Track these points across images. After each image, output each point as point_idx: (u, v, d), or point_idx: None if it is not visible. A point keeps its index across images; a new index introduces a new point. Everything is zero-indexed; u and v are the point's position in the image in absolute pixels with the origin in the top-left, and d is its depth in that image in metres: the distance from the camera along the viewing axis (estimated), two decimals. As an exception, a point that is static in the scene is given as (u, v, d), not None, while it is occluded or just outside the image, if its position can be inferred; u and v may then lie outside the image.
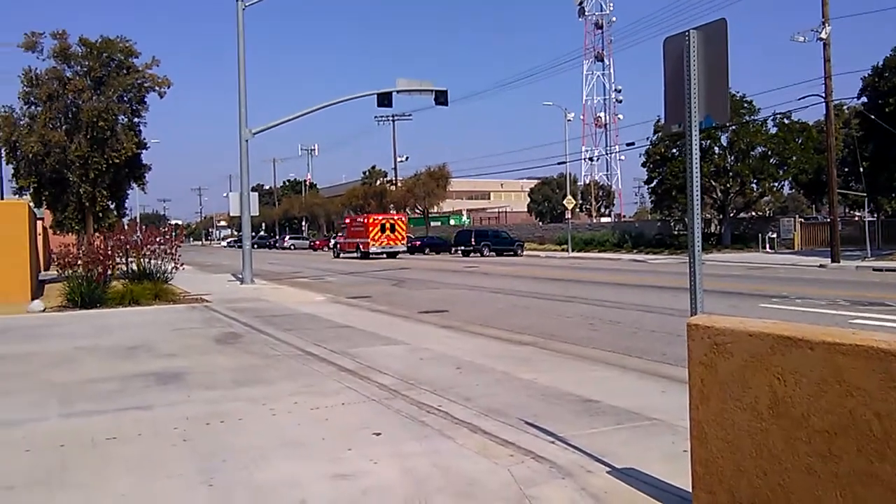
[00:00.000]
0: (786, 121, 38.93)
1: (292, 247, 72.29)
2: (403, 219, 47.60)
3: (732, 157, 40.27)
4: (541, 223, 68.77)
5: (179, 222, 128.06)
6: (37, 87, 21.28)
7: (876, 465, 2.52)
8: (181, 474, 4.28)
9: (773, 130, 39.76)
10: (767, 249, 37.16)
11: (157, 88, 22.63)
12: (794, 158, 39.12)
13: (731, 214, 42.70)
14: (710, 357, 3.17)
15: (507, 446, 4.71)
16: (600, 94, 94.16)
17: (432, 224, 66.70)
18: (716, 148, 40.09)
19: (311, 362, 7.97)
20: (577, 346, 9.03)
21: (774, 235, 38.84)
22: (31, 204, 22.06)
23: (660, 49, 4.83)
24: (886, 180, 32.91)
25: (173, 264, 16.96)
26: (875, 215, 40.18)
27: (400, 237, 44.36)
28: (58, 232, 26.21)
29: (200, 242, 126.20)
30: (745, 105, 39.04)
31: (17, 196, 25.53)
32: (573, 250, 43.70)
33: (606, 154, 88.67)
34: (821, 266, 25.69)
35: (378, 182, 74.13)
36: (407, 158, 71.81)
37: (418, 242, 53.16)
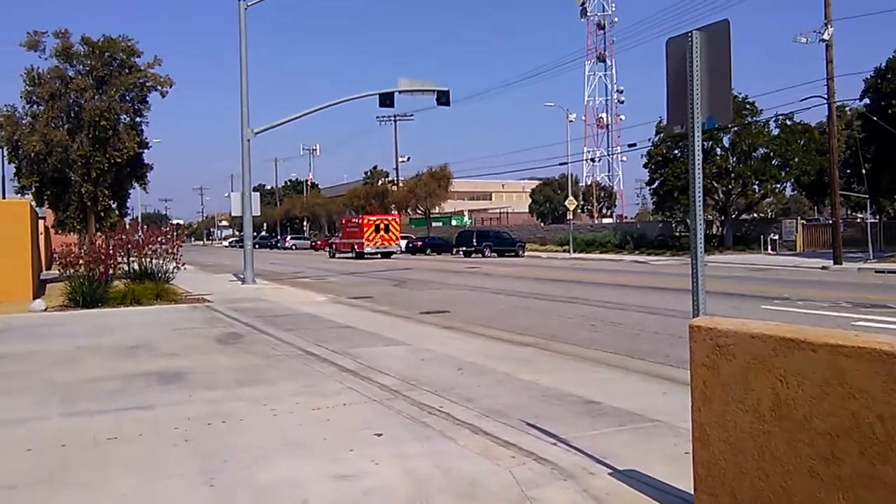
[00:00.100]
0: (788, 122, 38.93)
1: (294, 247, 72.35)
2: (397, 219, 48.06)
3: (734, 159, 40.27)
4: (542, 224, 68.80)
5: (181, 222, 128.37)
6: (39, 87, 21.29)
7: (878, 468, 2.52)
8: (182, 474, 4.28)
9: (776, 132, 39.76)
10: (769, 251, 37.13)
11: (159, 88, 22.64)
12: (797, 160, 39.10)
13: (733, 216, 42.69)
14: (713, 359, 3.16)
15: (508, 447, 4.71)
16: (602, 95, 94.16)
17: (434, 224, 66.74)
18: (718, 149, 40.07)
19: (312, 363, 7.97)
20: (578, 348, 9.02)
21: (776, 237, 38.81)
22: (33, 203, 22.09)
23: (662, 50, 4.83)
24: (889, 182, 32.88)
25: (175, 264, 16.97)
26: (877, 217, 40.12)
27: (394, 238, 44.82)
28: (59, 231, 26.22)
29: (202, 242, 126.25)
30: (748, 106, 39.03)
31: (18, 195, 25.55)
32: (575, 251, 43.69)
33: (608, 155, 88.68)
34: (823, 268, 25.67)
35: (380, 182, 74.18)
36: (409, 159, 72.00)
37: (420, 243, 53.20)
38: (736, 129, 38.09)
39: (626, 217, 79.56)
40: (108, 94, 21.52)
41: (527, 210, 79.71)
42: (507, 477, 4.14)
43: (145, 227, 32.69)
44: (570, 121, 49.59)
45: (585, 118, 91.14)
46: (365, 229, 43.62)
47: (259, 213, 23.95)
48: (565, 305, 14.62)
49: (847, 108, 39.13)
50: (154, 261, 16.90)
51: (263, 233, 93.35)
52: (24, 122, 21.54)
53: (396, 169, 71.25)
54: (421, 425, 5.30)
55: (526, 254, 45.26)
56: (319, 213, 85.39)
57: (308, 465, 4.40)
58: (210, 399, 6.22)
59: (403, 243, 53.36)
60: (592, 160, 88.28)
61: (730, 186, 40.69)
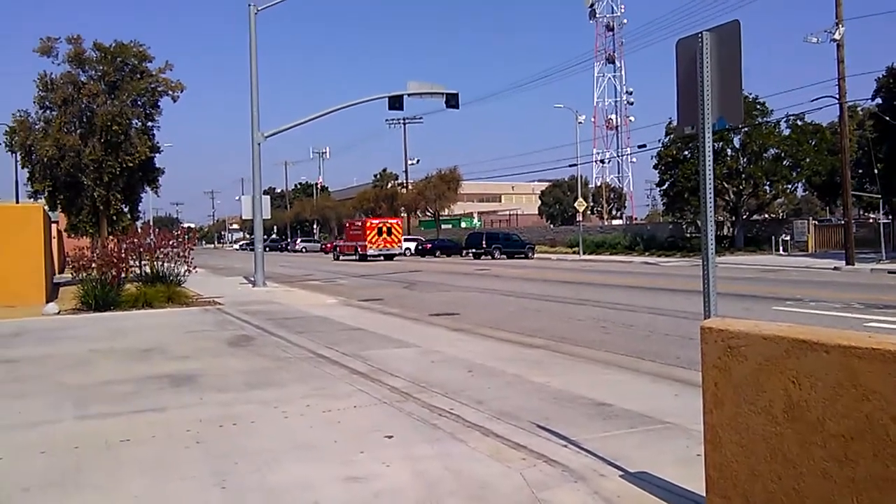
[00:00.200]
0: (799, 122, 38.68)
1: (304, 249, 72.63)
2: (399, 222, 48.97)
3: (745, 159, 40.06)
4: (552, 226, 68.67)
5: (192, 225, 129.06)
6: (52, 92, 21.49)
7: (892, 470, 2.50)
8: (194, 476, 4.30)
9: (787, 132, 39.52)
10: (781, 252, 36.89)
11: (170, 92, 22.82)
12: (808, 160, 38.85)
13: (744, 217, 42.45)
14: (724, 360, 3.15)
15: (519, 450, 4.70)
16: (611, 97, 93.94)
17: (443, 227, 66.73)
18: (728, 150, 39.88)
19: (322, 365, 7.99)
20: (589, 350, 8.99)
21: (788, 238, 38.56)
22: (46, 207, 22.27)
23: (671, 51, 4.81)
24: (901, 182, 32.59)
25: (186, 267, 17.06)
26: (890, 217, 39.74)
27: (396, 240, 45.63)
28: (72, 235, 26.43)
29: (213, 245, 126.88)
30: (758, 107, 38.82)
31: (32, 200, 25.77)
32: (584, 253, 43.58)
33: (618, 156, 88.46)
34: (835, 268, 25.48)
35: (389, 185, 74.33)
36: (418, 161, 71.61)
37: (429, 245, 53.27)
38: (747, 129, 37.89)
39: (636, 218, 79.36)
40: (119, 99, 21.69)
41: (536, 212, 79.61)
42: (517, 479, 4.14)
43: (157, 230, 32.86)
44: (580, 122, 49.54)
45: (595, 120, 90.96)
46: (368, 232, 44.42)
47: (269, 217, 24.04)
48: (575, 307, 14.58)
49: (859, 108, 38.87)
50: (166, 264, 16.99)
51: (274, 236, 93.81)
52: (37, 127, 21.75)
53: (406, 171, 71.32)
54: (431, 427, 5.30)
55: (535, 256, 45.18)
56: (329, 215, 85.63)
57: (318, 467, 4.42)
58: (221, 401, 6.24)
59: (413, 245, 53.62)
60: (602, 162, 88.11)
61: (741, 187, 40.48)
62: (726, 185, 39.53)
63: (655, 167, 44.18)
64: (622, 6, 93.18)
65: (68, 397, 6.53)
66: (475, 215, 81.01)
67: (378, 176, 79.69)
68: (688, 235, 43.48)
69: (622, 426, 5.26)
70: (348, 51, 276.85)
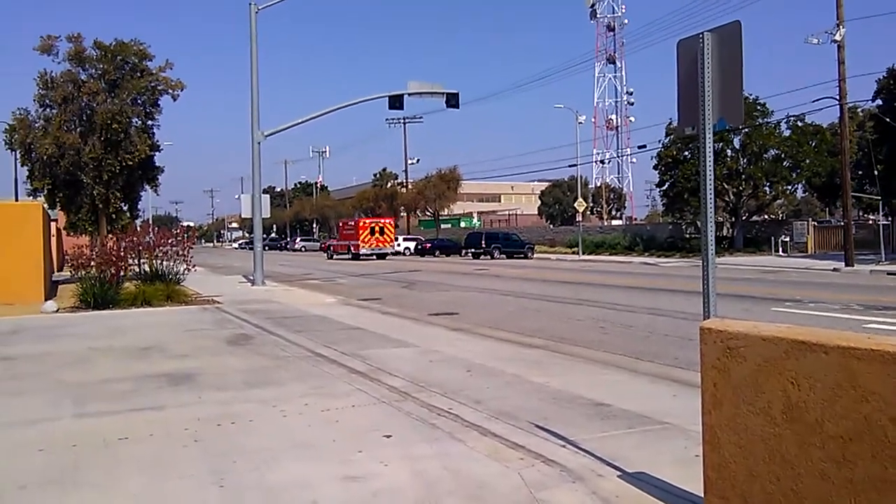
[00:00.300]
0: (799, 123, 38.67)
1: (303, 249, 72.65)
2: (392, 222, 49.96)
3: (745, 160, 40.06)
4: (551, 226, 68.68)
5: (191, 224, 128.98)
6: (52, 90, 21.49)
7: (891, 471, 2.50)
8: (192, 475, 4.30)
9: (787, 133, 39.51)
10: (780, 253, 36.90)
11: (170, 91, 22.83)
12: (808, 161, 38.84)
13: (744, 217, 42.45)
14: (723, 361, 3.15)
15: (517, 449, 4.70)
16: (612, 97, 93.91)
17: (443, 226, 66.72)
18: (728, 150, 39.87)
19: (321, 364, 7.99)
20: (588, 350, 8.99)
21: (787, 239, 38.58)
22: (46, 205, 22.27)
23: (672, 52, 4.82)
24: (901, 183, 32.59)
25: (185, 266, 17.06)
26: (889, 219, 39.76)
27: (388, 240, 46.57)
28: (71, 233, 26.44)
29: (212, 244, 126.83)
30: (759, 108, 38.81)
31: (31, 197, 25.76)
32: (584, 253, 43.58)
33: (618, 157, 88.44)
34: (834, 270, 25.48)
35: (389, 184, 74.29)
36: (418, 161, 71.64)
37: (428, 245, 53.30)
38: (747, 130, 37.89)
39: (635, 219, 79.31)
40: (119, 98, 21.69)
41: (536, 212, 79.60)
42: (515, 479, 4.14)
43: (156, 228, 32.86)
44: (580, 122, 49.59)
45: (595, 120, 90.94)
46: (360, 231, 45.39)
47: (269, 215, 24.04)
48: (575, 307, 14.58)
49: (859, 110, 38.85)
50: (165, 262, 17.00)
51: (273, 234, 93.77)
52: (37, 125, 21.76)
53: (406, 171, 71.32)
54: (430, 427, 5.30)
55: (535, 256, 45.18)
56: (329, 215, 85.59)
57: (317, 466, 4.41)
58: (220, 400, 6.24)
59: (412, 245, 53.73)
60: (602, 162, 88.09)
61: (740, 188, 40.48)
62: (726, 186, 39.52)
63: (655, 168, 44.18)
64: (623, 6, 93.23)
65: (67, 395, 6.53)
66: (475, 215, 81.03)
67: (378, 175, 79.66)
68: (687, 236, 43.49)
69: (620, 426, 5.26)
70: (348, 50, 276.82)
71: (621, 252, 44.86)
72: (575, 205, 47.21)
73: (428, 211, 66.11)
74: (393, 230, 48.19)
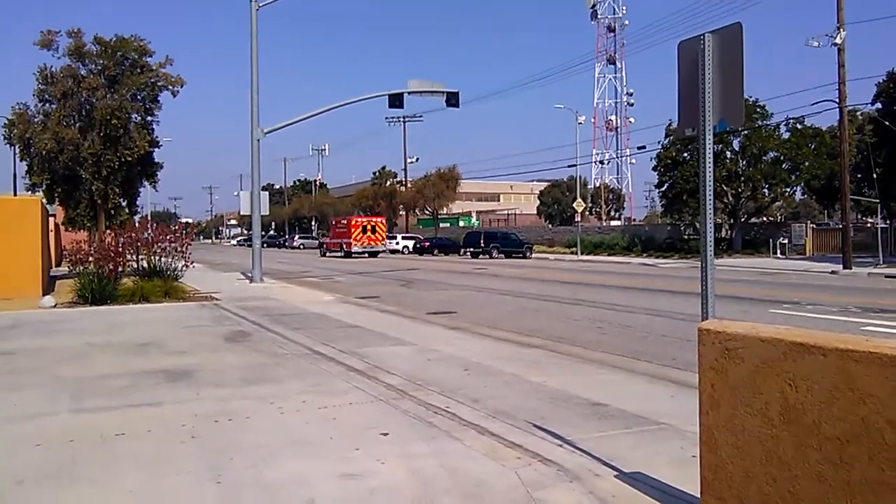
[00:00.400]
0: (799, 126, 38.71)
1: (302, 246, 72.61)
2: (384, 221, 50.42)
3: (744, 162, 40.09)
4: (550, 226, 68.70)
5: (190, 220, 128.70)
6: (51, 85, 21.44)
7: (888, 474, 2.50)
8: (190, 471, 4.30)
9: (786, 135, 39.55)
10: (778, 255, 36.94)
11: (170, 87, 22.77)
12: (807, 164, 38.89)
13: (743, 219, 42.49)
14: (721, 362, 3.15)
15: (514, 448, 4.71)
16: (612, 98, 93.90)
17: (441, 225, 66.73)
18: (728, 152, 39.91)
19: (319, 362, 7.99)
20: (586, 350, 9.00)
21: (786, 241, 38.62)
22: (44, 200, 22.24)
23: (673, 53, 4.81)
24: (900, 187, 32.64)
25: (184, 262, 17.05)
26: (888, 222, 39.83)
27: (380, 238, 47.21)
28: (70, 228, 26.40)
29: (210, 241, 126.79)
30: (758, 110, 38.85)
31: (30, 192, 25.75)
32: (582, 253, 43.61)
33: (617, 157, 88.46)
34: (832, 272, 25.52)
35: (388, 183, 74.28)
36: (417, 159, 71.85)
37: (427, 243, 53.36)
38: (746, 132, 37.92)
39: (634, 220, 79.35)
40: (119, 94, 21.65)
41: (535, 212, 79.62)
42: (512, 478, 4.14)
43: (155, 225, 32.82)
44: (580, 123, 49.64)
45: (595, 120, 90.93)
46: (353, 230, 46.00)
47: (268, 213, 24.02)
48: (573, 307, 14.59)
49: (858, 113, 38.91)
50: (163, 259, 16.98)
51: (272, 232, 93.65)
52: (36, 120, 21.72)
53: (405, 169, 71.34)
54: (427, 425, 5.30)
55: (533, 255, 45.20)
56: (328, 212, 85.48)
57: (314, 463, 4.41)
58: (218, 397, 6.24)
59: (411, 243, 53.80)
60: (601, 162, 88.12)
61: (739, 190, 40.51)
62: (725, 188, 39.56)
63: (654, 169, 44.21)
64: (624, 7, 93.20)
65: (64, 390, 6.52)
66: (474, 214, 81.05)
67: (377, 174, 79.63)
68: (686, 237, 43.53)
69: (618, 426, 5.26)
70: (348, 50, 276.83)
71: (620, 252, 44.90)
72: (574, 205, 47.24)
73: (427, 210, 66.13)
74: (385, 229, 48.73)
